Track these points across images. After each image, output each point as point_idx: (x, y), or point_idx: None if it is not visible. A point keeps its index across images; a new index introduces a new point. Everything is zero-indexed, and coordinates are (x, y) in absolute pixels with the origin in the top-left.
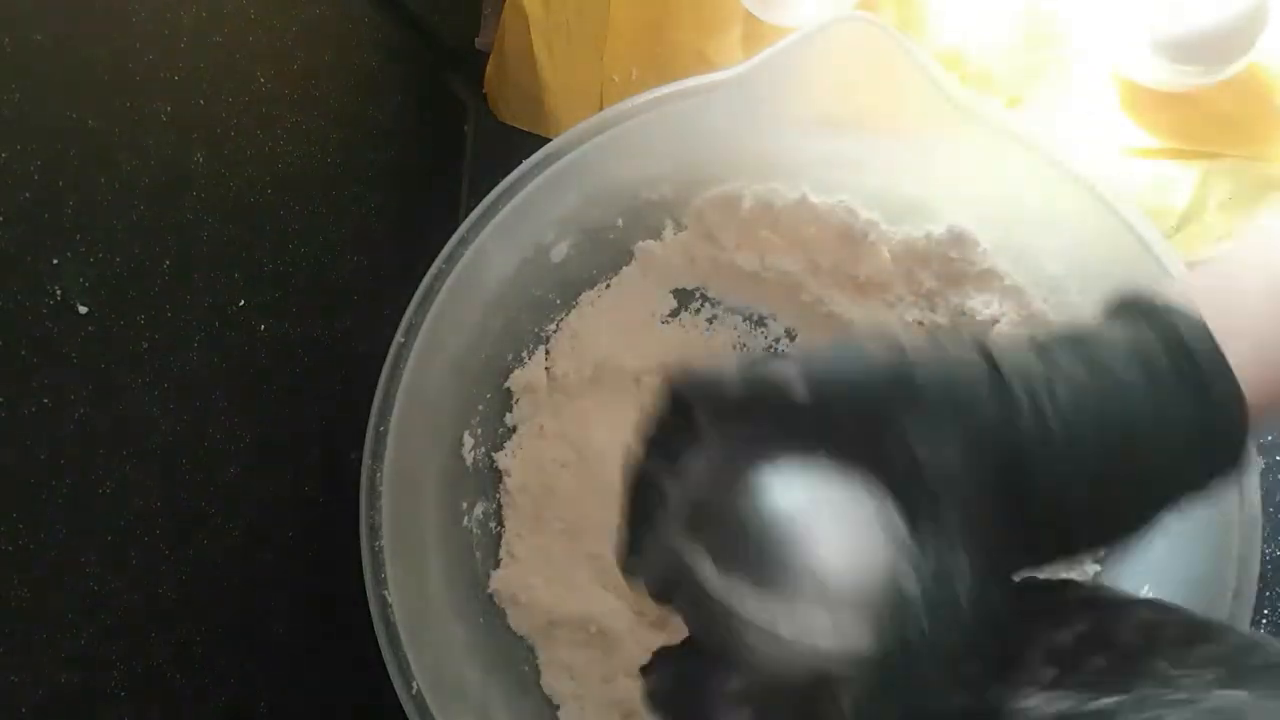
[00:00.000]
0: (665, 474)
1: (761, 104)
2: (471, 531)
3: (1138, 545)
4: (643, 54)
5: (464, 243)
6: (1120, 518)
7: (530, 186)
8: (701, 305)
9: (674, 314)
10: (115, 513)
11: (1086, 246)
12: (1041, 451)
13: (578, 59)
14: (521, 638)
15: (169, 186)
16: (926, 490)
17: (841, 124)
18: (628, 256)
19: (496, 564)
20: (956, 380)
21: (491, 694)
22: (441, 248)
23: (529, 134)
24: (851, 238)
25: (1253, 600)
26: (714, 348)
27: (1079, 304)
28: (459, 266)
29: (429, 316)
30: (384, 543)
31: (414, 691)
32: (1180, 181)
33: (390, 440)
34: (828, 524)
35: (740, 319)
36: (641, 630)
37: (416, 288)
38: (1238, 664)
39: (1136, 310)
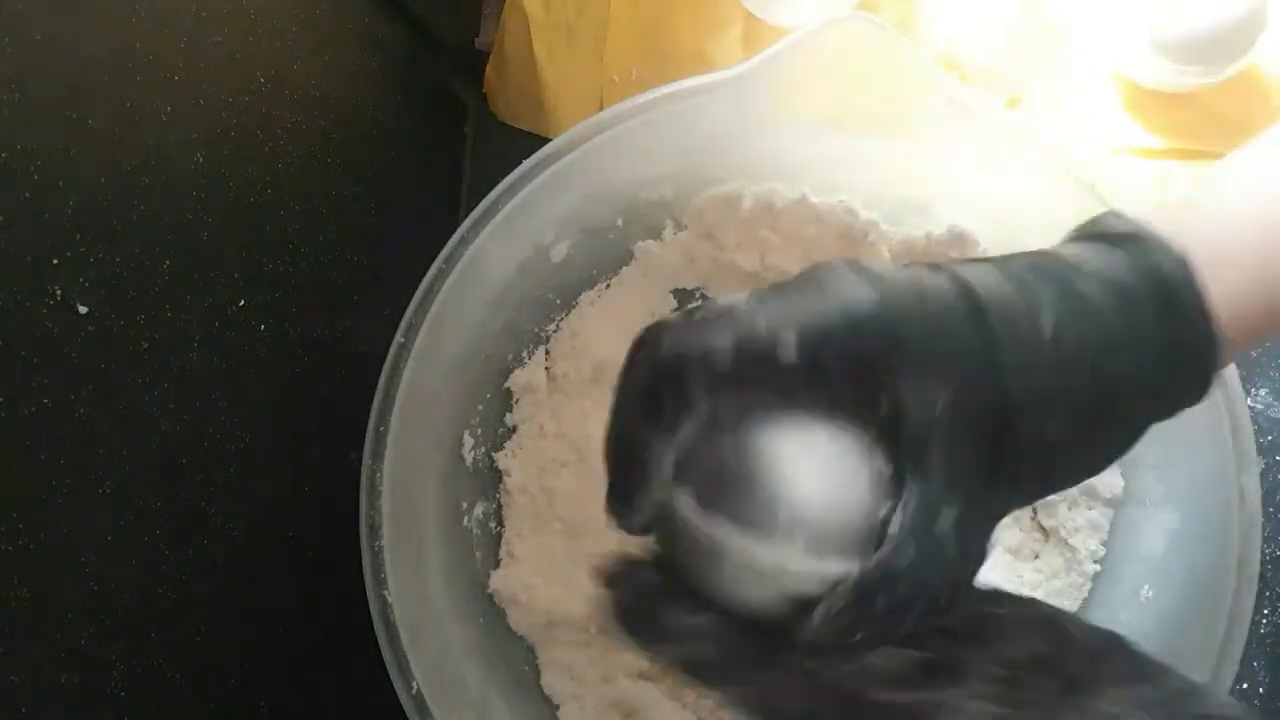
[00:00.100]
0: (651, 434)
1: (761, 104)
2: (471, 531)
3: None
4: (643, 54)
5: (464, 243)
6: (1098, 447)
7: (530, 186)
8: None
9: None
10: (115, 513)
11: None
12: (1024, 386)
13: (578, 59)
14: (521, 638)
15: (169, 186)
16: (912, 438)
17: (841, 124)
18: (628, 256)
19: (496, 564)
20: (940, 326)
21: (491, 694)
22: (441, 248)
23: (529, 134)
24: (851, 238)
25: (1253, 600)
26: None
27: None
28: (459, 266)
29: (429, 316)
30: (384, 543)
31: (414, 691)
32: (1180, 181)
33: (390, 440)
34: (812, 468)
35: None
36: None
37: (416, 288)
38: (1172, 709)
39: (1114, 237)
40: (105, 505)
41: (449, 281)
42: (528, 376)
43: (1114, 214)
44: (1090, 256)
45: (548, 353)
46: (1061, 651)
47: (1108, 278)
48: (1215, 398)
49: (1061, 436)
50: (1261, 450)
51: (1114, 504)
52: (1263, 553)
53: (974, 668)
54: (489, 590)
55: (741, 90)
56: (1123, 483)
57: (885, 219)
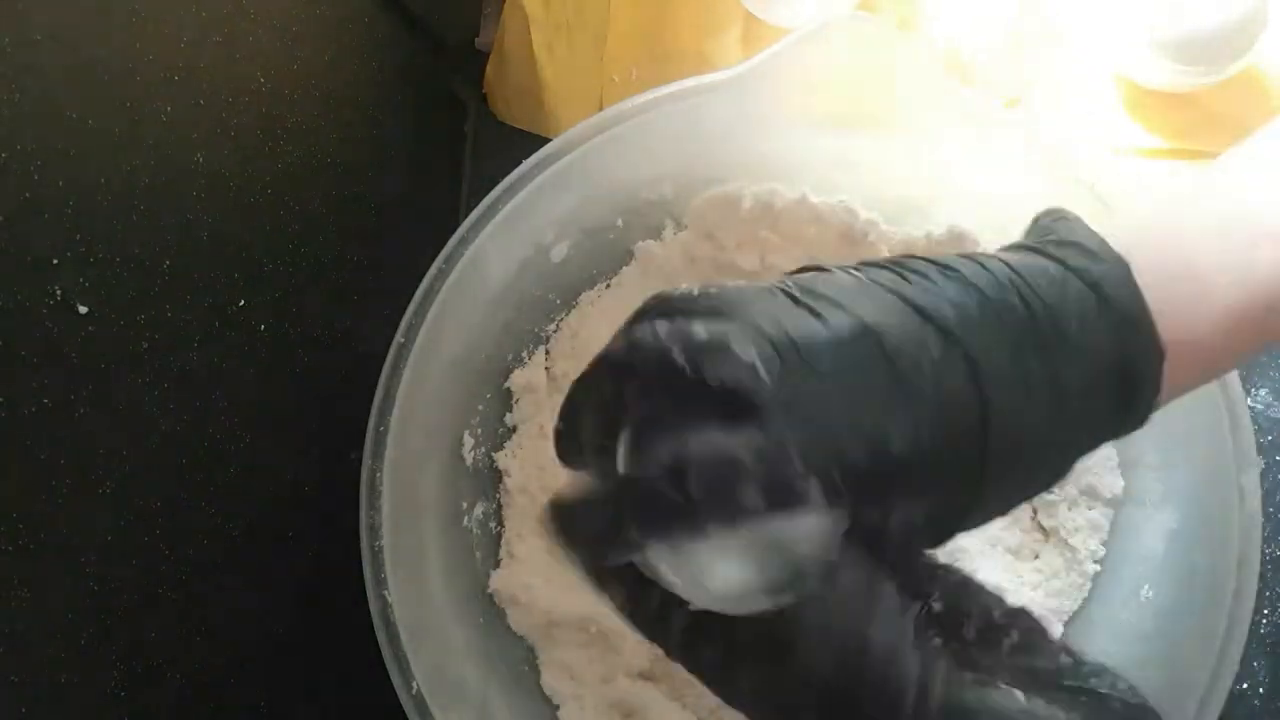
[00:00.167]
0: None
1: (761, 104)
2: (471, 531)
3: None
4: (643, 54)
5: (464, 243)
6: (1053, 466)
7: (530, 186)
8: None
9: None
10: (115, 513)
11: None
12: (996, 413)
13: (578, 59)
14: (521, 638)
15: (169, 186)
16: (887, 477)
17: (841, 124)
18: (628, 256)
19: (496, 564)
20: (918, 360)
21: (491, 694)
22: (441, 248)
23: (529, 134)
24: (851, 238)
25: (1253, 600)
26: None
27: None
28: (459, 266)
29: (429, 316)
30: (384, 543)
31: (414, 691)
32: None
33: (390, 440)
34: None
35: None
36: None
37: (416, 288)
38: (1044, 677)
39: (1065, 245)
40: (105, 505)
41: (449, 281)
42: (528, 376)
43: (1063, 218)
44: (1038, 265)
45: (548, 353)
46: (968, 614)
47: (1059, 297)
48: (1215, 397)
49: (1027, 456)
50: (1261, 450)
51: (1114, 504)
52: (1263, 553)
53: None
54: (489, 590)
55: (741, 90)
56: (1123, 483)
57: (885, 219)
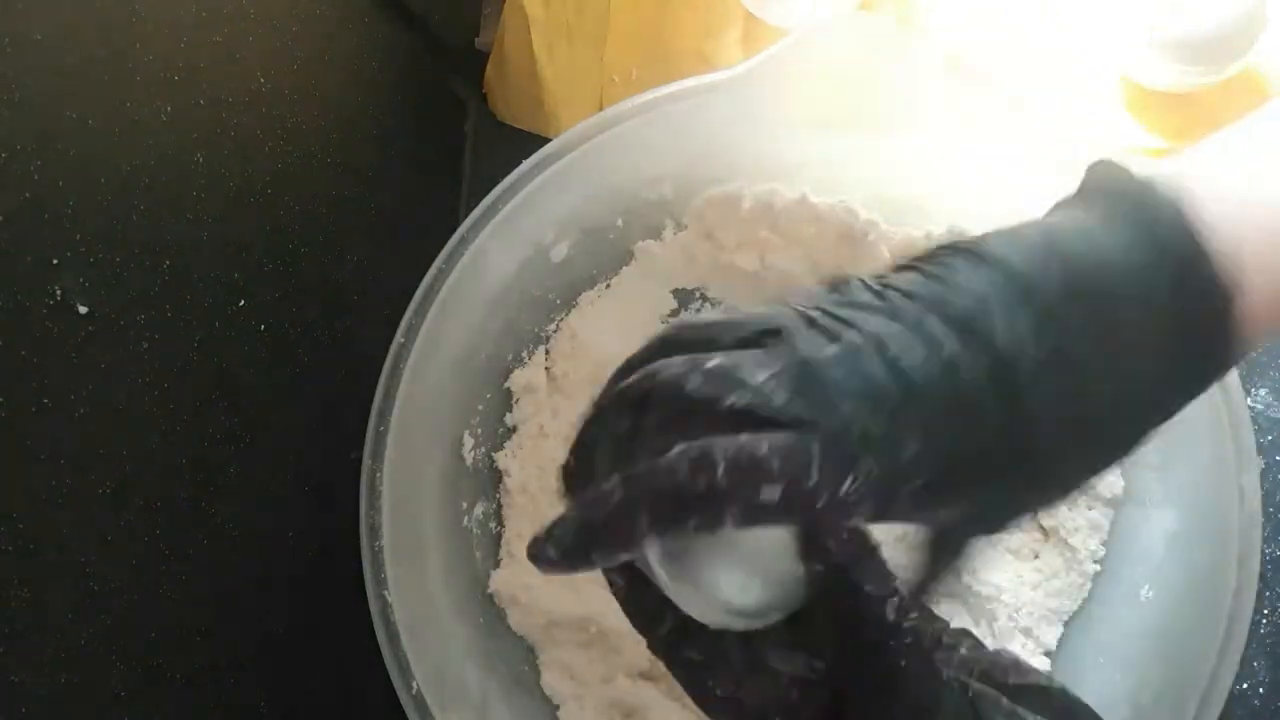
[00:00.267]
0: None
1: (761, 104)
2: (471, 531)
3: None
4: (643, 54)
5: (464, 243)
6: (1120, 434)
7: (530, 186)
8: (701, 305)
9: (674, 314)
10: (115, 513)
11: None
12: (1028, 398)
13: (578, 59)
14: (521, 638)
15: (169, 186)
16: (904, 481)
17: (842, 124)
18: (628, 256)
19: (496, 564)
20: (929, 363)
21: (491, 694)
22: (441, 248)
23: (529, 134)
24: (851, 238)
25: (1253, 600)
26: None
27: None
28: (459, 266)
29: (429, 316)
30: (384, 543)
31: (414, 691)
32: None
33: (390, 440)
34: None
35: None
36: None
37: (416, 288)
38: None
39: (1124, 200)
40: (105, 505)
41: (449, 281)
42: (528, 376)
43: (1110, 164)
44: (1095, 224)
45: (548, 353)
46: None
47: (1115, 254)
48: (1215, 398)
49: (1078, 432)
50: (1261, 450)
51: (1114, 504)
52: (1263, 553)
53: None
54: (489, 590)
55: (741, 90)
56: (1123, 483)
57: (885, 219)
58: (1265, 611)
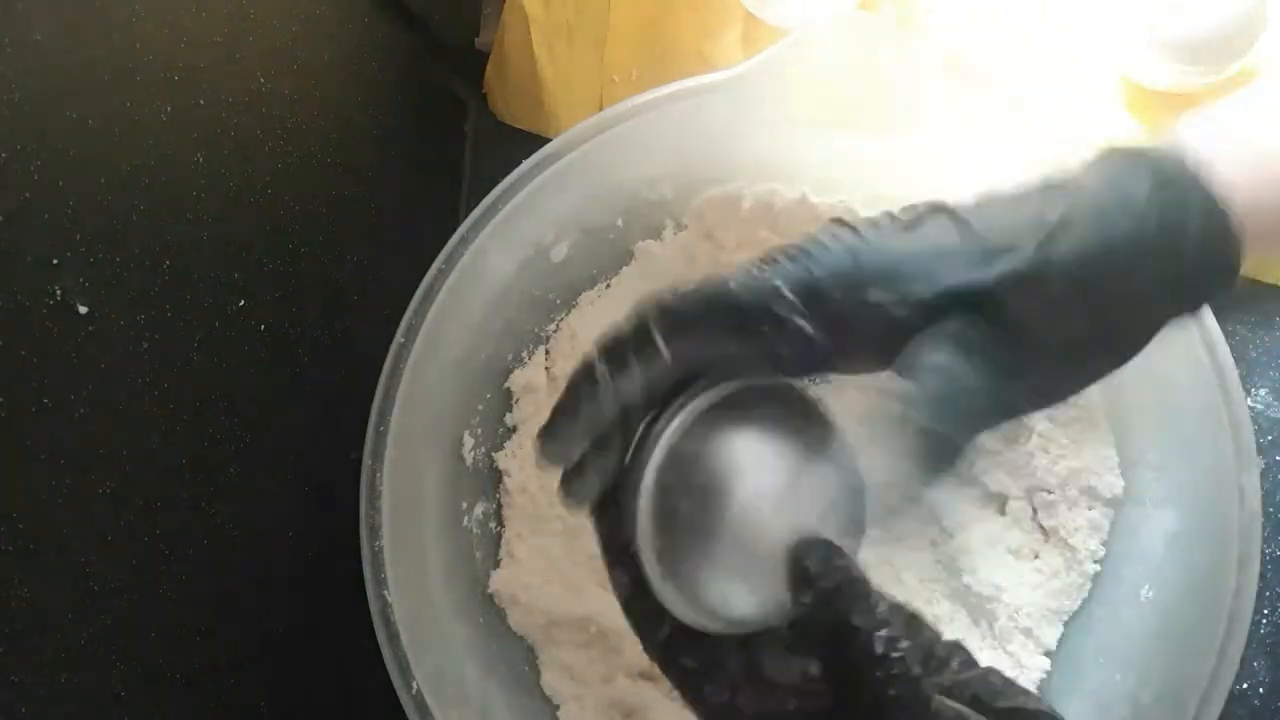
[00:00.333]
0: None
1: (761, 104)
2: (471, 531)
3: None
4: (643, 54)
5: (464, 243)
6: (1112, 349)
7: (530, 186)
8: None
9: None
10: (115, 513)
11: None
12: (1040, 298)
13: (578, 59)
14: (521, 638)
15: (169, 186)
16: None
17: (841, 124)
18: (628, 256)
19: (496, 564)
20: (952, 265)
21: (491, 694)
22: (441, 248)
23: (529, 134)
24: None
25: (1253, 600)
26: None
27: None
28: (459, 266)
29: (429, 316)
30: (384, 543)
31: (414, 691)
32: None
33: (390, 440)
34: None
35: None
36: None
37: (416, 288)
38: (984, 698)
39: (1118, 153)
40: (105, 505)
41: (449, 281)
42: (528, 376)
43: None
44: (1092, 167)
45: (548, 353)
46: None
47: (1116, 186)
48: (1215, 398)
49: (1079, 338)
50: (1261, 450)
51: (1114, 504)
52: (1263, 553)
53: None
54: (489, 590)
55: (741, 90)
56: (1123, 483)
57: None
58: (1265, 611)
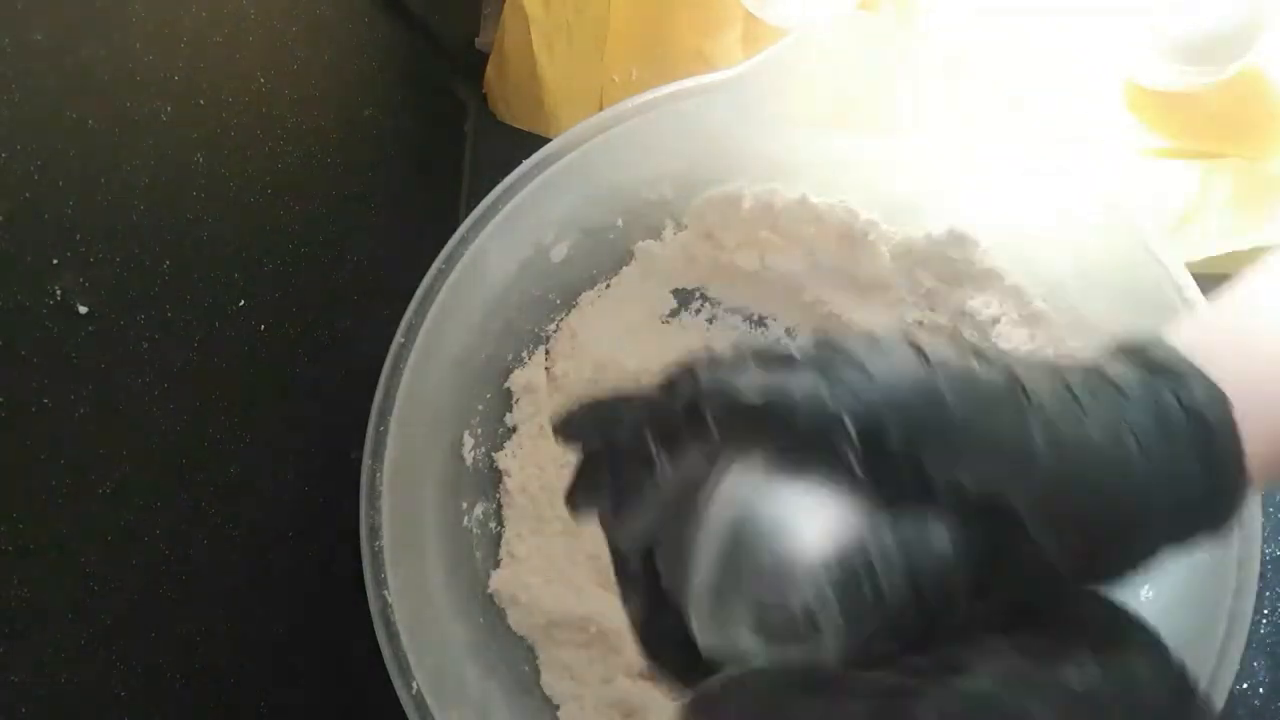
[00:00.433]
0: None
1: (761, 104)
2: (471, 531)
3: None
4: (643, 54)
5: (464, 243)
6: (1107, 567)
7: (530, 186)
8: (701, 305)
9: (674, 314)
10: (115, 513)
11: (1086, 246)
12: (1049, 494)
13: (578, 59)
14: (521, 638)
15: (169, 186)
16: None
17: (841, 124)
18: (628, 256)
19: (496, 564)
20: (997, 425)
21: (491, 694)
22: (441, 248)
23: (529, 134)
24: (851, 238)
25: (1253, 600)
26: (714, 348)
27: (1079, 304)
28: (459, 266)
29: (429, 316)
30: (384, 543)
31: (414, 691)
32: (1180, 181)
33: (390, 440)
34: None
35: (740, 319)
36: None
37: (416, 288)
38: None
39: (1157, 365)
40: (105, 505)
41: (449, 281)
42: (528, 376)
43: (1159, 343)
44: (1135, 384)
45: (548, 353)
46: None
47: (1152, 409)
48: None
49: (1075, 550)
50: None
51: None
52: (1263, 553)
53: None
54: (489, 590)
55: (741, 90)
56: None
57: (885, 219)
58: (1265, 611)
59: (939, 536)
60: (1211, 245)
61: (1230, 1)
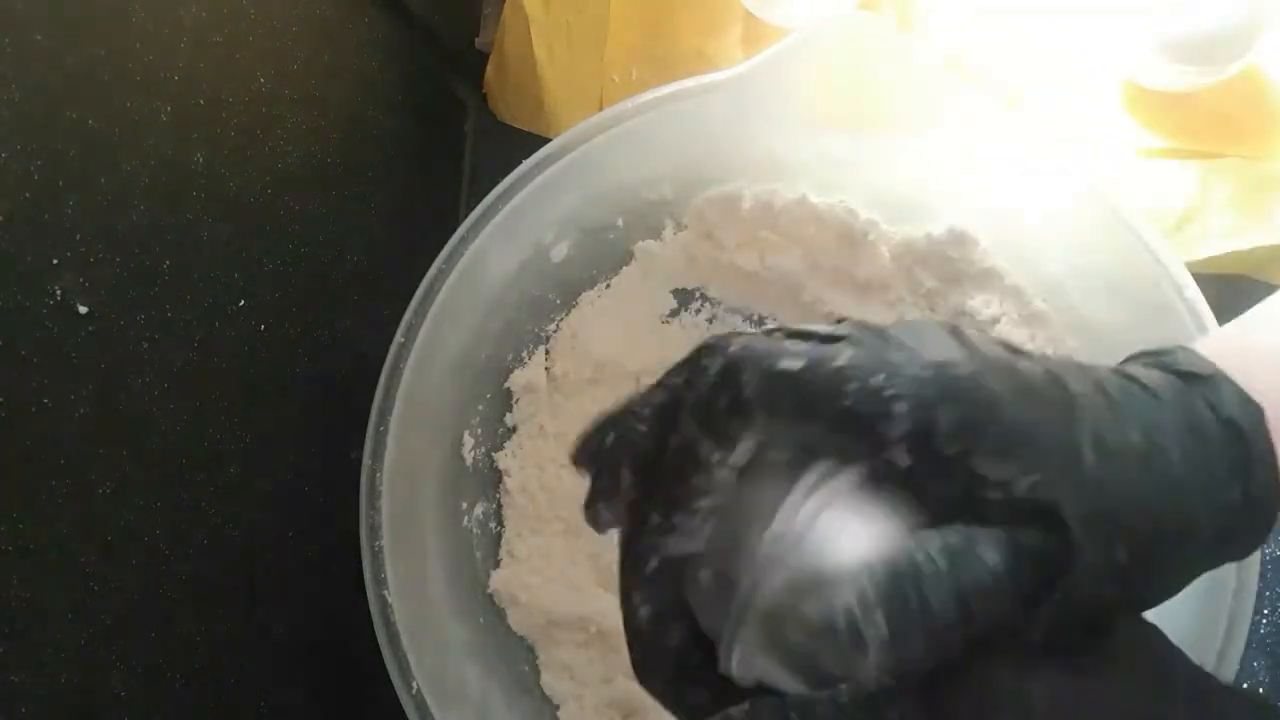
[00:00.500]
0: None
1: (761, 104)
2: (471, 531)
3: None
4: (643, 54)
5: (464, 243)
6: (1153, 584)
7: (530, 186)
8: (701, 305)
9: (674, 314)
10: (115, 513)
11: (1086, 246)
12: (1093, 496)
13: (578, 59)
14: (521, 638)
15: (169, 186)
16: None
17: (842, 124)
18: (628, 256)
19: (496, 564)
20: (1044, 421)
21: (491, 694)
22: (441, 248)
23: (529, 134)
24: (851, 238)
25: (1253, 600)
26: None
27: (1079, 304)
28: (459, 266)
29: (429, 316)
30: (384, 543)
31: (414, 691)
32: (1180, 181)
33: (390, 440)
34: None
35: (740, 319)
36: None
37: (416, 288)
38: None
39: (1188, 375)
40: (105, 505)
41: (449, 281)
42: (528, 376)
43: (1186, 350)
44: (1167, 389)
45: (548, 353)
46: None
47: (1186, 416)
48: None
49: (1123, 566)
50: None
51: None
52: (1263, 553)
53: None
54: (489, 590)
55: (741, 90)
56: None
57: (885, 219)
58: (1265, 611)
59: (989, 550)
60: (1211, 245)
61: (1230, 1)
